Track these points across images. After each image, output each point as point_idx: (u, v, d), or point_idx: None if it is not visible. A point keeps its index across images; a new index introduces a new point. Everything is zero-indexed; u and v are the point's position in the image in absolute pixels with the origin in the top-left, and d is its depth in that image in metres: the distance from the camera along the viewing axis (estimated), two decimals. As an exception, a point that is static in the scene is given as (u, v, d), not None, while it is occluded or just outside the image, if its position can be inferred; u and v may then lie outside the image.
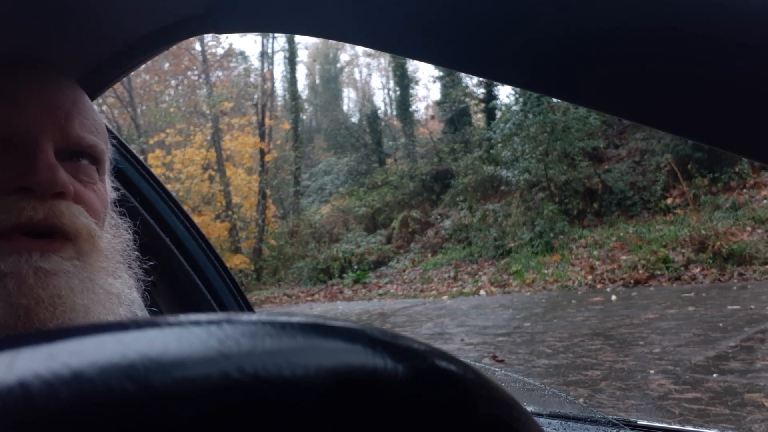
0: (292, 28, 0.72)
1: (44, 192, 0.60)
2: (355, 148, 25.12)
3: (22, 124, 0.62)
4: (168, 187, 1.41)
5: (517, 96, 16.30)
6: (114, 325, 0.20)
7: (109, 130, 1.15)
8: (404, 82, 23.85)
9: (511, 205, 15.94)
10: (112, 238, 0.73)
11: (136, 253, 0.78)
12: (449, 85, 21.29)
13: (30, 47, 0.82)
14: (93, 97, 1.01)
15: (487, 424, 0.25)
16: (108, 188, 0.74)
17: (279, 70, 42.95)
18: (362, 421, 0.22)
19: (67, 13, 0.77)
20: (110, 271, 0.68)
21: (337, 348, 0.22)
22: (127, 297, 0.70)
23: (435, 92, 42.00)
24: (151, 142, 20.71)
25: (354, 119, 28.94)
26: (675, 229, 11.56)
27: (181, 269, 1.26)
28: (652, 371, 4.82)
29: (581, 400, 4.04)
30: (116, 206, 0.78)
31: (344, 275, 17.48)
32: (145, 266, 0.78)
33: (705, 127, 0.46)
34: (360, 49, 33.81)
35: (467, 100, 21.03)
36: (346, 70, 40.42)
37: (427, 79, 47.88)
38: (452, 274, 14.69)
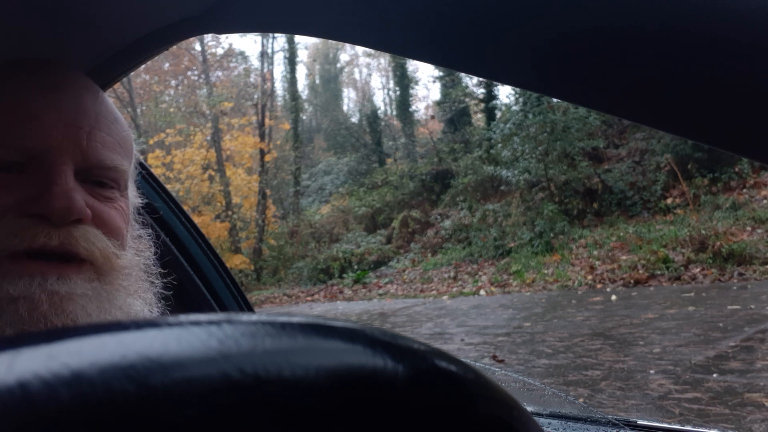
0: (292, 28, 0.72)
1: (60, 220, 0.58)
2: (355, 148, 25.12)
3: (40, 143, 0.59)
4: (168, 187, 1.41)
5: (517, 96, 16.30)
6: (114, 325, 0.19)
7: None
8: (404, 82, 23.86)
9: (511, 205, 15.94)
10: (134, 253, 0.70)
11: (158, 267, 0.76)
12: (449, 85, 21.31)
13: (29, 48, 0.81)
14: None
15: (487, 424, 0.25)
16: (131, 198, 0.71)
17: (279, 70, 42.99)
18: (362, 421, 0.22)
19: (67, 14, 0.77)
20: (130, 291, 0.66)
21: (337, 348, 0.22)
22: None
23: (435, 92, 42.09)
24: (151, 142, 20.71)
25: (354, 119, 28.95)
26: (675, 229, 11.56)
27: (181, 269, 1.26)
28: (652, 371, 4.82)
29: (581, 400, 4.04)
30: (139, 214, 0.75)
31: (344, 275, 17.48)
32: (167, 280, 0.76)
33: (705, 127, 0.46)
34: (360, 49, 33.83)
35: (467, 100, 21.04)
36: (346, 70, 40.45)
37: (427, 79, 48.03)
38: (452, 274, 14.69)
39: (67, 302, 0.57)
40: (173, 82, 25.27)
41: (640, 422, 1.07)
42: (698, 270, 9.97)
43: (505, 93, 20.06)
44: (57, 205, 0.57)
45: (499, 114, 19.25)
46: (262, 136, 22.36)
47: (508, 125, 16.25)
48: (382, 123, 26.04)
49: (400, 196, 20.52)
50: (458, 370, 0.25)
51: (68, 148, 0.60)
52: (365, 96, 36.90)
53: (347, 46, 30.41)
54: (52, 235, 0.57)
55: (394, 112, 27.40)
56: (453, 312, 9.99)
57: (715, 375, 4.49)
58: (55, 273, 0.57)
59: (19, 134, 0.59)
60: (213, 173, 21.78)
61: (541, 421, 1.08)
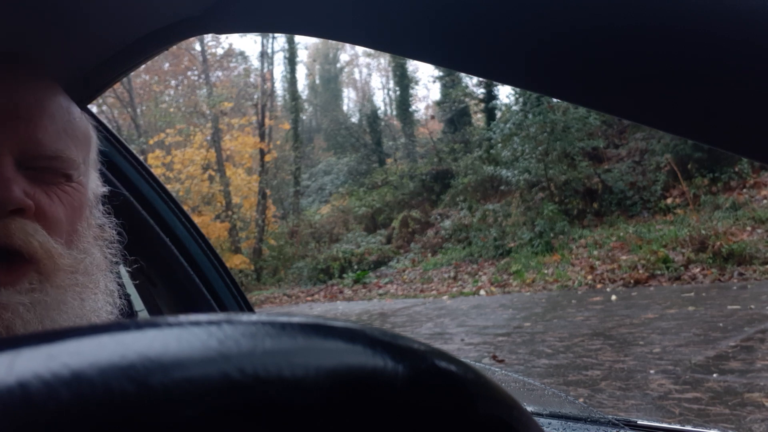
0: (291, 28, 0.72)
1: None
2: (355, 148, 25.11)
3: None
4: (168, 187, 1.41)
5: (517, 96, 16.30)
6: (113, 325, 0.19)
7: (108, 131, 1.15)
8: (404, 82, 23.85)
9: (511, 205, 15.94)
10: (93, 242, 0.68)
11: (124, 252, 0.74)
12: (449, 85, 21.30)
13: (28, 47, 0.81)
14: (93, 98, 1.01)
15: (487, 424, 0.25)
16: (90, 187, 0.70)
17: (279, 70, 42.94)
18: (362, 421, 0.22)
19: (67, 14, 0.77)
20: (84, 286, 0.64)
21: (337, 348, 0.22)
22: (105, 312, 0.66)
23: (435, 92, 42.03)
24: (151, 142, 20.71)
25: (354, 119, 28.93)
26: (675, 229, 11.56)
27: (181, 269, 1.26)
28: (652, 371, 4.82)
29: (581, 400, 4.04)
30: (104, 203, 0.74)
31: (344, 275, 17.48)
32: (135, 265, 0.76)
33: (705, 127, 0.46)
34: (360, 49, 33.82)
35: (467, 100, 21.03)
36: (346, 70, 40.43)
37: (427, 79, 47.98)
38: (452, 274, 14.69)
39: (2, 312, 0.55)
40: (173, 82, 25.27)
41: (640, 422, 1.07)
42: (698, 270, 9.96)
43: (505, 93, 20.07)
44: None
45: (499, 114, 19.24)
46: (262, 136, 22.35)
47: (508, 125, 16.25)
48: (382, 123, 26.03)
49: (400, 196, 20.52)
50: (458, 370, 0.25)
51: (6, 137, 0.58)
52: (365, 96, 36.89)
53: (347, 46, 30.40)
54: None
55: (394, 112, 27.39)
56: (453, 312, 9.99)
57: (715, 375, 4.49)
58: None
59: None
60: (213, 173, 21.78)
61: (541, 421, 1.08)
